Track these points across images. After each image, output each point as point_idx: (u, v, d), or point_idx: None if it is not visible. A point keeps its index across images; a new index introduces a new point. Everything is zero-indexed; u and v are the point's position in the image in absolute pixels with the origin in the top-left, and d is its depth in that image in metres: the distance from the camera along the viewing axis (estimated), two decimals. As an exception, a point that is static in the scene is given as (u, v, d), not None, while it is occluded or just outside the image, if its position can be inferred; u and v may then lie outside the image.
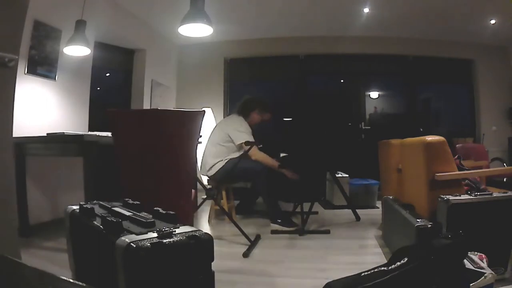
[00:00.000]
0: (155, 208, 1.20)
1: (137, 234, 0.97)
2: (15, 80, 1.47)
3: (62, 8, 3.02)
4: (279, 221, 3.03)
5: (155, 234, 0.98)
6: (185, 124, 1.72)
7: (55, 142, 2.47)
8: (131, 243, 0.92)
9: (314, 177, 4.15)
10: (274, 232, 2.80)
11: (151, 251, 0.91)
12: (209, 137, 3.33)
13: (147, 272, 0.91)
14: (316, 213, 3.57)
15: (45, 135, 2.49)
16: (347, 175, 4.00)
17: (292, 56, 5.44)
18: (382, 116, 5.61)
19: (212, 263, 1.04)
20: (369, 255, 2.23)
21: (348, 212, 3.42)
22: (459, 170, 1.99)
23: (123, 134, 1.75)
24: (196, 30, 2.36)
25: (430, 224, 1.71)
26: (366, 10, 4.22)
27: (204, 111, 1.80)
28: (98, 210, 1.26)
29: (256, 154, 3.10)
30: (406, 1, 3.97)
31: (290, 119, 5.61)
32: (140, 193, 1.56)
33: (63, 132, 2.44)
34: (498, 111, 5.13)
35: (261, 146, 3.32)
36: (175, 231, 1.01)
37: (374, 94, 5.73)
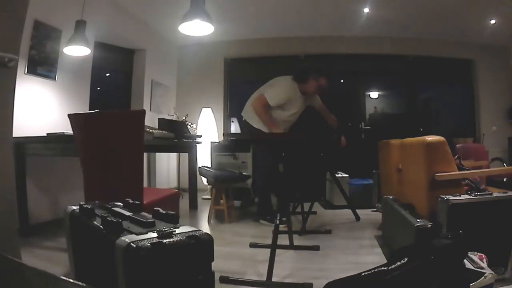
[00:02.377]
0: (155, 208, 1.20)
1: (137, 234, 0.97)
2: (15, 80, 1.47)
3: (62, 8, 3.02)
4: (268, 217, 3.07)
5: (155, 234, 0.98)
6: (125, 124, 1.73)
7: (55, 142, 2.47)
8: (131, 243, 0.92)
9: (314, 177, 4.16)
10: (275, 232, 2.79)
11: (151, 251, 0.91)
12: None
13: (147, 272, 0.91)
14: (315, 213, 3.56)
15: (45, 135, 2.49)
16: (347, 175, 4.00)
17: (292, 56, 5.44)
18: (382, 116, 5.60)
19: (212, 263, 1.04)
20: (369, 255, 2.23)
21: (348, 212, 3.42)
22: (459, 170, 1.99)
23: (77, 136, 1.83)
24: (197, 29, 2.34)
25: (430, 224, 1.71)
26: (366, 10, 4.22)
27: (143, 110, 1.77)
28: (98, 210, 1.26)
29: (258, 108, 2.99)
30: (406, 1, 3.97)
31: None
32: (98, 191, 1.63)
33: (63, 132, 2.44)
34: (498, 111, 5.13)
35: None
36: (175, 231, 1.01)
37: (374, 94, 5.73)
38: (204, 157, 4.58)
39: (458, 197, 1.67)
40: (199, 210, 3.76)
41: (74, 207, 1.32)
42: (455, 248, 1.14)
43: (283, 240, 2.59)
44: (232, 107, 5.62)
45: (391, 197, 2.43)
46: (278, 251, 2.30)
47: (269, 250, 1.87)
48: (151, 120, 4.65)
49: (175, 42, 5.35)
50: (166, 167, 5.12)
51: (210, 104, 5.18)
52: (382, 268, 1.10)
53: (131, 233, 0.99)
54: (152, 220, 1.08)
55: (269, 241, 2.56)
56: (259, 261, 2.09)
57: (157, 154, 4.80)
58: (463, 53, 5.22)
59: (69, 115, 1.83)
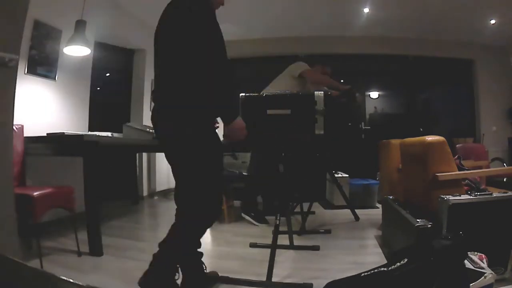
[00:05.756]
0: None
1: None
2: (15, 80, 1.47)
3: (62, 8, 3.02)
4: (252, 214, 3.17)
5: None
6: None
7: (55, 142, 2.47)
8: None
9: (314, 177, 4.15)
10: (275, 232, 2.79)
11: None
12: None
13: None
14: (313, 213, 3.55)
15: (45, 135, 2.49)
16: (347, 175, 4.00)
17: (292, 56, 5.43)
18: (382, 116, 5.60)
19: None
20: (369, 255, 2.23)
21: (348, 212, 3.41)
22: (459, 170, 1.99)
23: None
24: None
25: (430, 224, 1.71)
26: (366, 10, 4.23)
27: None
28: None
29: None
30: (406, 1, 3.97)
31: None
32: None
33: (63, 132, 2.44)
34: (498, 111, 5.13)
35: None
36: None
37: (374, 94, 5.73)
38: (204, 157, 4.56)
39: (458, 197, 1.67)
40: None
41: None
42: (455, 249, 1.14)
43: (283, 240, 2.59)
44: (232, 107, 5.61)
45: (391, 197, 2.43)
46: (278, 251, 2.30)
47: (269, 250, 1.87)
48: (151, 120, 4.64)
49: (175, 42, 5.34)
50: (166, 167, 5.08)
51: (210, 104, 5.16)
52: (382, 269, 1.10)
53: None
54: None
55: (269, 241, 2.56)
56: (259, 261, 2.08)
57: (157, 154, 4.79)
58: (463, 53, 5.22)
59: None
